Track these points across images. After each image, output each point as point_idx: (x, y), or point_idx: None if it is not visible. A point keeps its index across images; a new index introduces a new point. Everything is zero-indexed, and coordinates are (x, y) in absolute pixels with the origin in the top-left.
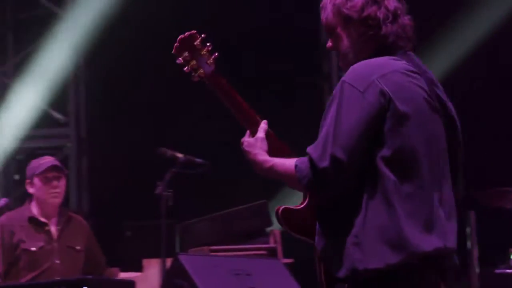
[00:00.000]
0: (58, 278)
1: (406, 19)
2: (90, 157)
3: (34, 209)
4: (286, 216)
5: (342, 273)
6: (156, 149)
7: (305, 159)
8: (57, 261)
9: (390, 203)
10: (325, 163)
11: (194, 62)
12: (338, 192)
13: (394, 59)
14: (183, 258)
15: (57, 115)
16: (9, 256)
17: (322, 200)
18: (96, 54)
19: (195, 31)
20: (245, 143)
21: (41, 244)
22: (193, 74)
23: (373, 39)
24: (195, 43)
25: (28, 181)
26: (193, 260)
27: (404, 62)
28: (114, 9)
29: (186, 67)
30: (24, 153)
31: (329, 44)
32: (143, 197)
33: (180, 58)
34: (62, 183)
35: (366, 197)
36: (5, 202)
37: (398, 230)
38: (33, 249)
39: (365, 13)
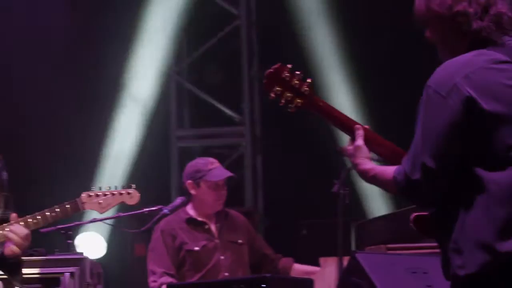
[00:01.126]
0: (226, 273)
1: (501, 7)
2: (264, 156)
3: (191, 211)
4: (416, 222)
5: (448, 277)
6: (334, 147)
7: (402, 169)
8: (222, 257)
9: (486, 206)
10: (417, 175)
11: (287, 94)
12: (435, 199)
13: (480, 54)
14: (360, 256)
15: (231, 114)
16: (175, 259)
17: (421, 207)
18: (269, 53)
19: (280, 64)
20: (347, 152)
21: (203, 243)
22: (289, 105)
23: (465, 35)
24: (284, 75)
25: (190, 182)
26: (370, 258)
27: (494, 53)
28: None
29: (281, 101)
30: (199, 151)
31: (427, 34)
32: (318, 195)
33: (272, 94)
34: (226, 189)
35: (463, 202)
36: (181, 200)
37: (495, 233)
38: (196, 248)
39: (454, 10)
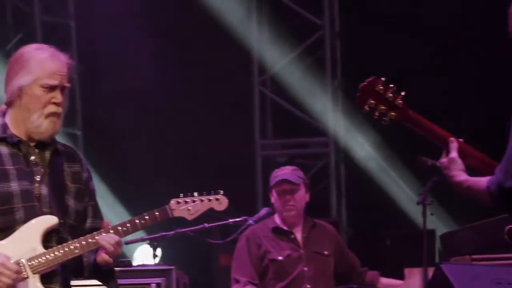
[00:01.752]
0: (308, 285)
1: None
2: (348, 165)
3: (277, 219)
4: (511, 233)
5: None
6: (416, 158)
7: (495, 179)
8: (305, 268)
9: None
10: (509, 183)
11: (381, 106)
12: None
13: None
14: (445, 267)
15: (315, 123)
16: (258, 267)
17: None
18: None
19: (374, 77)
20: (441, 164)
21: (287, 252)
22: (383, 118)
23: None
24: (378, 88)
25: (270, 191)
26: (455, 269)
27: None
28: None
29: (375, 114)
30: (283, 161)
31: None
32: (402, 206)
33: (365, 107)
34: (297, 195)
35: None
36: (267, 211)
37: None
38: (280, 258)
39: None
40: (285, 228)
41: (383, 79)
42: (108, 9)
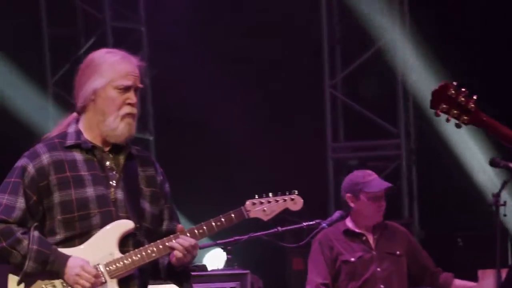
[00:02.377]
0: (382, 286)
1: None
2: (420, 168)
3: (349, 223)
4: None
5: None
6: (491, 159)
7: None
8: (378, 269)
9: None
10: None
11: (454, 111)
12: None
13: None
14: None
15: (386, 126)
16: (332, 269)
17: None
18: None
19: (446, 82)
20: None
21: (359, 254)
22: (456, 122)
23: None
24: (450, 93)
25: (349, 195)
26: None
27: None
28: None
29: (447, 118)
30: (355, 164)
31: None
32: (474, 207)
33: (438, 111)
34: (383, 201)
35: None
36: (340, 214)
37: None
38: (352, 259)
39: None
40: (357, 230)
41: (455, 83)
42: (179, 14)
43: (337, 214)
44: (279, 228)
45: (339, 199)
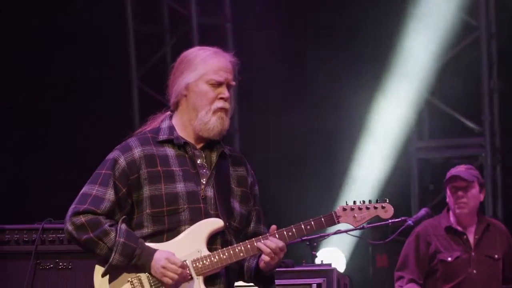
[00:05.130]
0: None
1: None
2: (504, 166)
3: (452, 218)
4: None
5: None
6: None
7: None
8: (474, 271)
9: None
10: None
11: None
12: None
13: None
14: None
15: (471, 125)
16: (426, 266)
17: None
18: (509, 64)
19: None
20: None
21: (457, 254)
22: None
23: None
24: None
25: (444, 189)
26: None
27: None
28: None
29: None
30: (439, 162)
31: None
32: None
33: None
34: (470, 193)
35: None
36: (425, 212)
37: None
38: (450, 259)
39: None
40: (458, 228)
41: None
42: (263, 10)
43: (423, 211)
44: (365, 226)
45: (423, 196)
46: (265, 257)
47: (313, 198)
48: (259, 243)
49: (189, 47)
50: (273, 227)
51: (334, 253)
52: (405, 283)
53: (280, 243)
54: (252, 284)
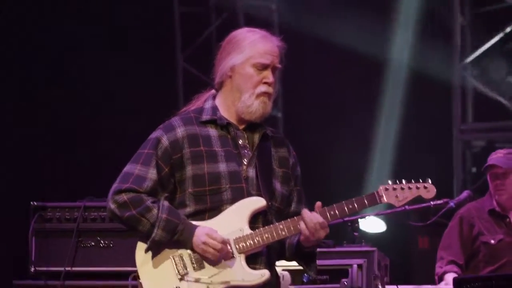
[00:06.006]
0: None
1: None
2: None
3: (494, 202)
4: None
5: None
6: None
7: None
8: None
9: None
10: None
11: None
12: None
13: None
14: None
15: None
16: (468, 248)
17: None
18: None
19: None
20: None
21: (500, 236)
22: None
23: None
24: None
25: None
26: None
27: None
28: None
29: None
30: (482, 145)
31: None
32: None
33: None
34: (509, 179)
35: None
36: (468, 194)
37: None
38: (492, 242)
39: None
40: (500, 211)
41: None
42: None
43: (465, 194)
44: (407, 207)
45: (465, 179)
46: (305, 231)
47: (351, 180)
48: (301, 220)
49: (234, 29)
50: (318, 203)
51: (373, 222)
52: (445, 264)
53: (321, 219)
54: (296, 263)
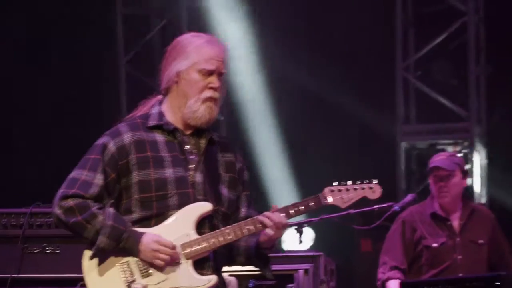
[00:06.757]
0: (461, 274)
1: None
2: (490, 151)
3: (436, 205)
4: None
5: None
6: None
7: None
8: (459, 257)
9: None
10: None
11: None
12: None
13: None
14: None
15: (457, 110)
16: (411, 252)
17: None
18: (497, 49)
19: None
20: None
21: (442, 240)
22: None
23: None
24: None
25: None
26: None
27: None
28: None
29: None
30: (425, 147)
31: None
32: None
33: None
34: (452, 182)
35: None
36: (412, 197)
37: None
38: (435, 245)
39: None
40: (442, 214)
41: None
42: None
43: (409, 197)
44: (351, 211)
45: (409, 181)
46: (268, 231)
47: (299, 182)
48: (261, 217)
49: (177, 31)
50: (275, 206)
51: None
52: (388, 269)
53: (284, 219)
54: (242, 268)
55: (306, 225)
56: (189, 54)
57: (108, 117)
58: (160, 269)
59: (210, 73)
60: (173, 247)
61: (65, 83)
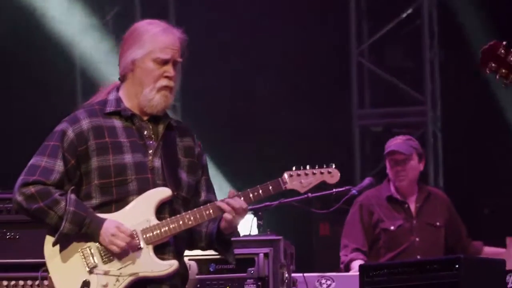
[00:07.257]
0: (418, 256)
1: None
2: (445, 135)
3: (392, 188)
4: None
5: None
6: None
7: None
8: (417, 239)
9: None
10: None
11: (503, 70)
12: None
13: None
14: None
15: (413, 93)
16: (370, 235)
17: None
18: (450, 33)
19: (496, 41)
20: None
21: (399, 222)
22: (504, 81)
23: None
24: (499, 52)
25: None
26: None
27: None
28: None
29: (497, 76)
30: (381, 131)
31: None
32: (500, 174)
33: (487, 70)
34: (408, 165)
35: None
36: (370, 181)
37: None
38: (392, 228)
39: None
40: (398, 197)
41: (504, 43)
42: None
43: (367, 180)
44: (309, 194)
45: (364, 165)
46: (227, 216)
47: (252, 169)
48: (220, 203)
49: (130, 18)
50: (232, 191)
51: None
52: (350, 251)
53: (244, 204)
54: (202, 252)
55: (265, 209)
56: (144, 42)
57: (62, 104)
58: (121, 255)
59: (165, 62)
60: (132, 236)
61: (25, 69)
